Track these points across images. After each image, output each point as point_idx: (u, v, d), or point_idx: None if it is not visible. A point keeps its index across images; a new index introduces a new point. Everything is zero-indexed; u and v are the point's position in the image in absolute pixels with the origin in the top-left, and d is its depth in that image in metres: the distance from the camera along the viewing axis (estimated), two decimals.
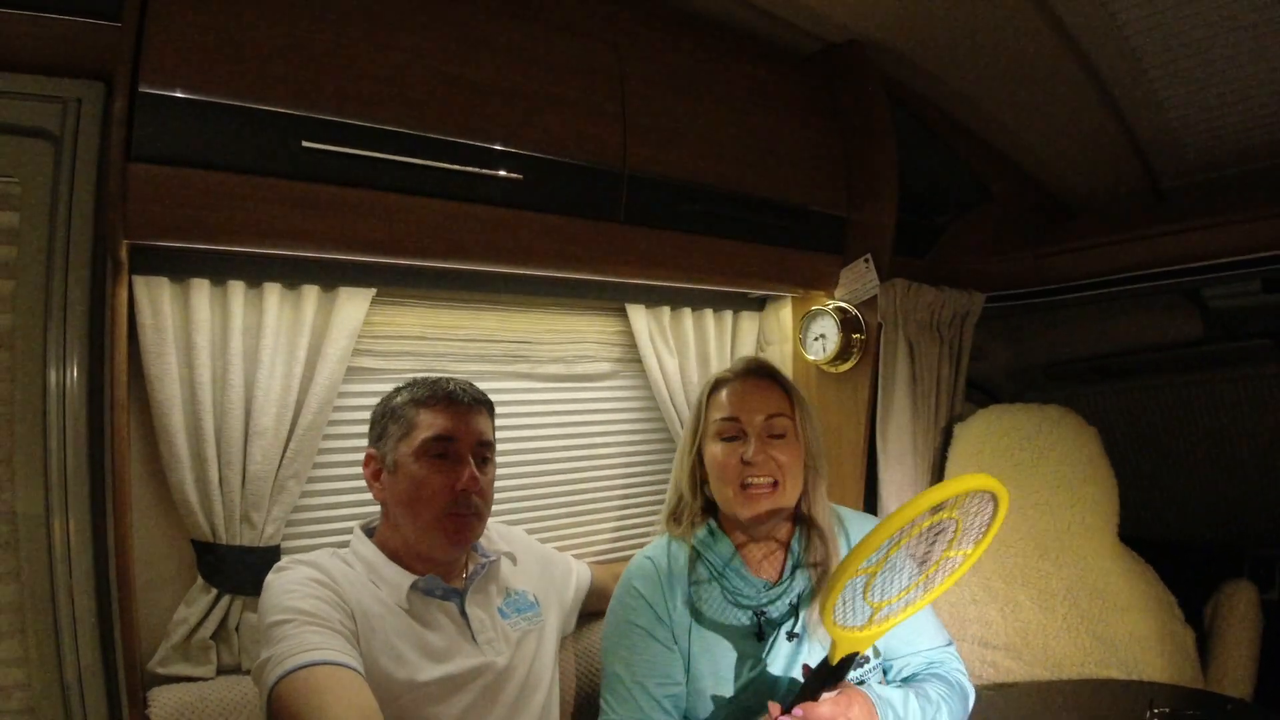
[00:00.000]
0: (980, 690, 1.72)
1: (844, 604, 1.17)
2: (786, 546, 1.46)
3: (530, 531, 1.76)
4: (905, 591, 1.20)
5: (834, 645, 1.18)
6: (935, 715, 1.32)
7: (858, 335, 1.96)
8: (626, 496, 2.03)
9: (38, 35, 1.17)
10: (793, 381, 1.49)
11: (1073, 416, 1.88)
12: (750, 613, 1.39)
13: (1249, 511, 2.60)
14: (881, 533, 1.08)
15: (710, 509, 1.49)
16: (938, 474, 2.00)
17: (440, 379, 1.39)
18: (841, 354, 1.96)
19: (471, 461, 1.33)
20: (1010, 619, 1.80)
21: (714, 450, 1.43)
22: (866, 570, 1.14)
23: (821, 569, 1.42)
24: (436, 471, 1.30)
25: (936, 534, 1.18)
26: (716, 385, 1.48)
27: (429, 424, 1.32)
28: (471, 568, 1.42)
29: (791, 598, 1.40)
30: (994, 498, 1.15)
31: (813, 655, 1.34)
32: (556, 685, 1.48)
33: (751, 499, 1.38)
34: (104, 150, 1.23)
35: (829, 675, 1.18)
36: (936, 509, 1.12)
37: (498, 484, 1.54)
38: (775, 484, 1.39)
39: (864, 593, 1.16)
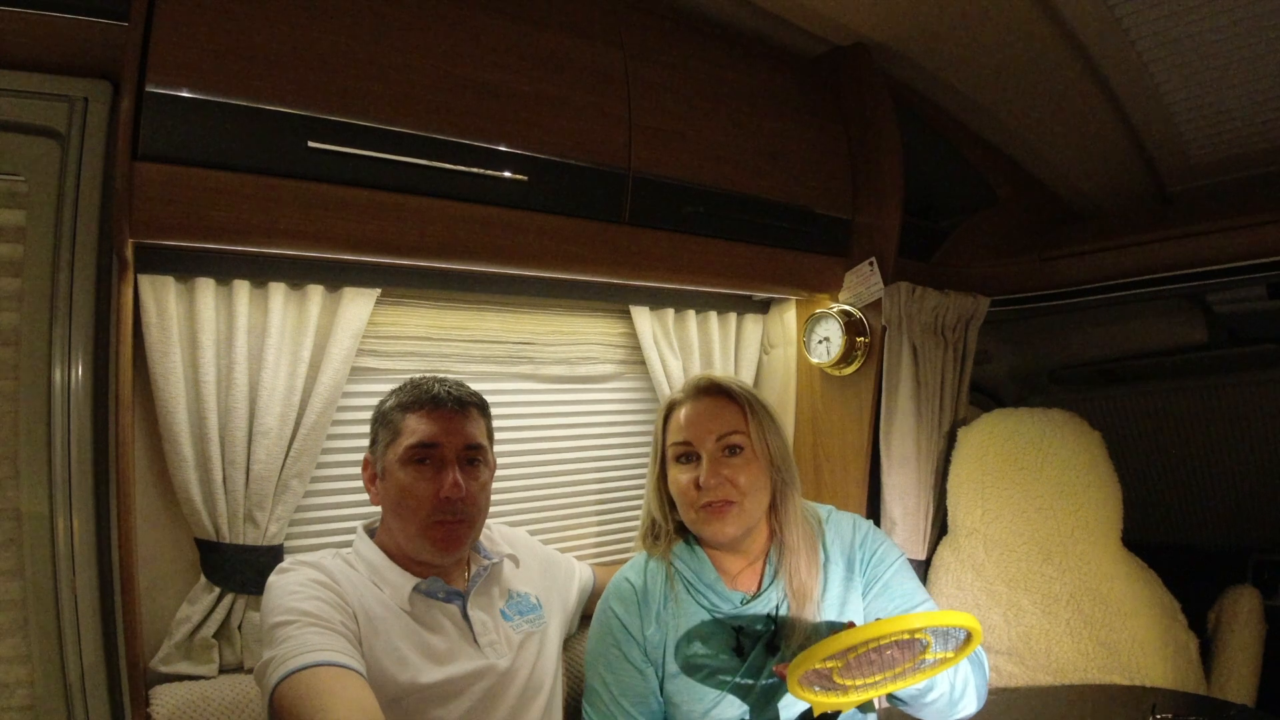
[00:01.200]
0: None
1: (814, 685, 1.16)
2: (765, 558, 1.46)
3: (533, 532, 1.76)
4: (889, 673, 1.17)
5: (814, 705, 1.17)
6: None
7: (862, 338, 1.96)
8: (629, 498, 2.03)
9: (45, 34, 1.18)
10: (750, 392, 1.46)
11: (1077, 421, 1.87)
12: (729, 626, 1.38)
13: (1253, 517, 2.59)
14: (844, 640, 1.06)
15: (686, 526, 1.48)
16: (941, 478, 2.00)
17: (427, 381, 1.38)
18: (845, 357, 1.96)
19: (456, 466, 1.31)
20: (1013, 623, 1.80)
21: (674, 474, 1.43)
22: (830, 664, 1.12)
23: (796, 580, 1.40)
24: (420, 478, 1.29)
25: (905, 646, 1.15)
26: (671, 408, 1.47)
27: (412, 430, 1.31)
28: (474, 569, 1.42)
29: (770, 609, 1.39)
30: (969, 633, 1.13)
31: None
32: (559, 687, 1.48)
33: (711, 520, 1.38)
34: (110, 149, 1.24)
35: None
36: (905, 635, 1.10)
37: (500, 484, 1.54)
38: (731, 503, 1.37)
39: (834, 675, 1.14)
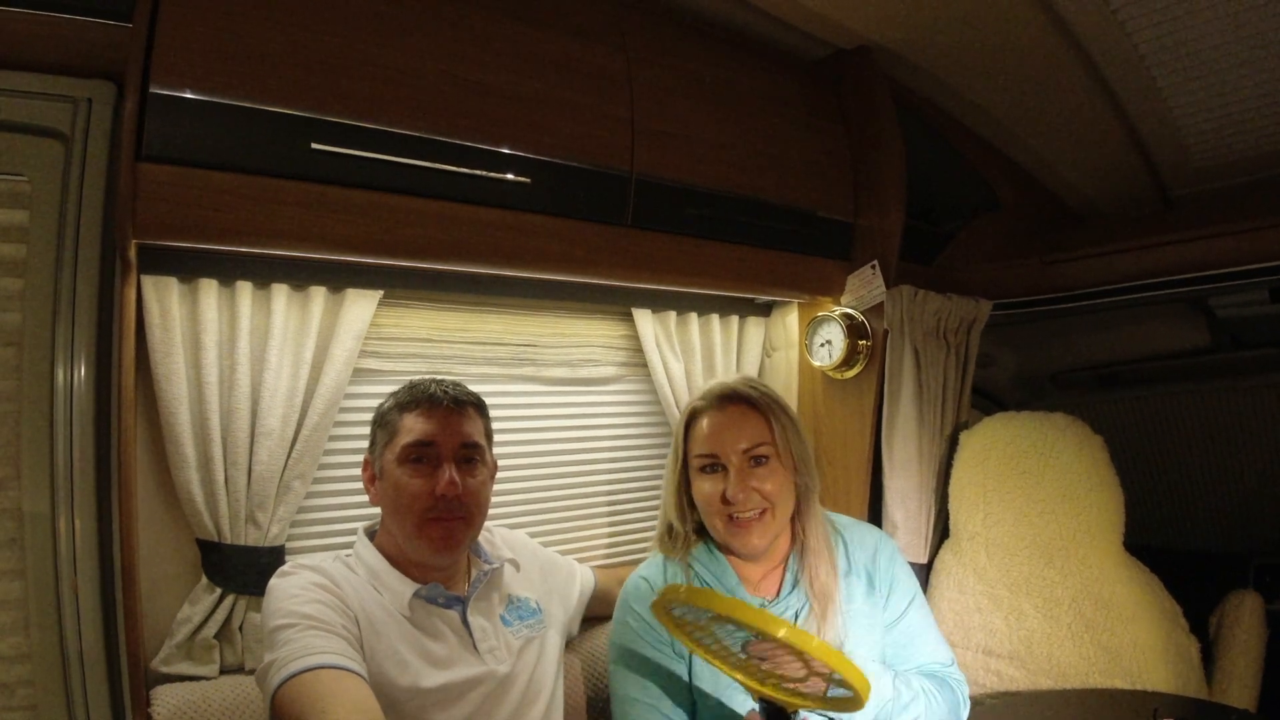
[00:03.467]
0: (984, 698, 1.72)
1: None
2: (784, 563, 1.46)
3: (534, 534, 1.76)
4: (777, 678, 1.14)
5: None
6: (912, 700, 1.33)
7: (864, 342, 1.96)
8: (630, 500, 2.03)
9: (49, 35, 1.18)
10: (773, 397, 1.45)
11: (1079, 425, 1.87)
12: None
13: (1255, 521, 2.59)
14: (714, 601, 1.04)
15: (704, 530, 1.47)
16: (943, 481, 2.00)
17: (424, 381, 1.38)
18: (847, 360, 1.96)
19: (453, 465, 1.31)
20: (1015, 627, 1.80)
21: (699, 485, 1.42)
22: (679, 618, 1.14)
23: (818, 583, 1.40)
24: (416, 476, 1.29)
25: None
26: (693, 416, 1.45)
27: (409, 429, 1.31)
28: (474, 574, 1.42)
29: (790, 615, 1.39)
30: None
31: None
32: (560, 690, 1.47)
33: (740, 531, 1.37)
34: (114, 150, 1.24)
35: None
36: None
37: (502, 486, 1.53)
38: (763, 512, 1.37)
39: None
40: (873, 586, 1.45)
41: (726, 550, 1.45)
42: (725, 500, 1.36)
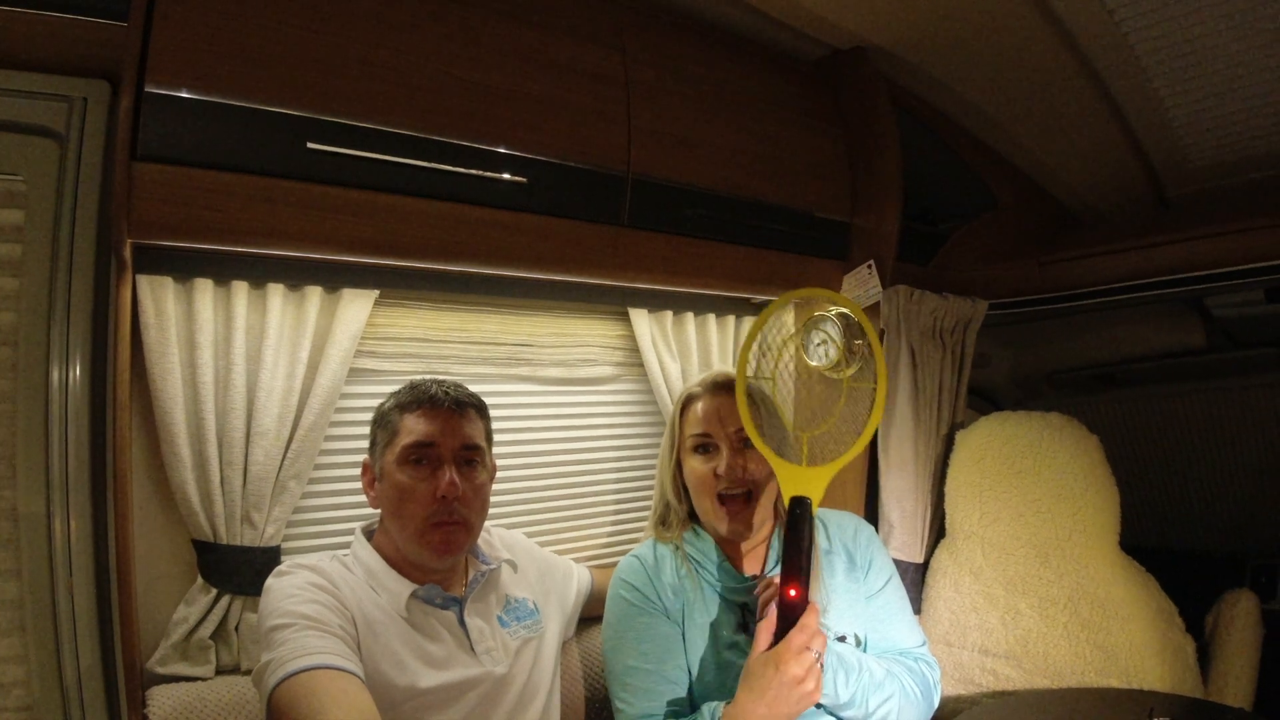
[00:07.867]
0: (980, 698, 1.72)
1: (767, 429, 1.36)
2: (767, 542, 1.53)
3: (530, 535, 1.76)
4: (828, 423, 1.30)
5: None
6: (880, 684, 1.36)
7: (860, 342, 1.96)
8: (627, 500, 2.03)
9: (45, 34, 1.18)
10: (763, 390, 1.54)
11: (1075, 425, 1.87)
12: (736, 606, 1.43)
13: (1251, 521, 2.59)
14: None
15: (693, 515, 1.55)
16: (939, 481, 2.00)
17: (424, 382, 1.38)
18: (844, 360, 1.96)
19: (453, 466, 1.30)
20: (1011, 627, 1.80)
21: (691, 464, 1.49)
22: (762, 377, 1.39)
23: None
24: (417, 479, 1.29)
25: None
26: (688, 401, 1.54)
27: (409, 430, 1.31)
28: (472, 575, 1.41)
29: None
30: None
31: None
32: (557, 691, 1.47)
33: (728, 514, 1.45)
34: (109, 149, 1.24)
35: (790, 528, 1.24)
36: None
37: (498, 486, 1.53)
38: (750, 495, 1.44)
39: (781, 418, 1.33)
40: (853, 563, 1.53)
41: (713, 531, 1.50)
42: (716, 476, 1.44)
